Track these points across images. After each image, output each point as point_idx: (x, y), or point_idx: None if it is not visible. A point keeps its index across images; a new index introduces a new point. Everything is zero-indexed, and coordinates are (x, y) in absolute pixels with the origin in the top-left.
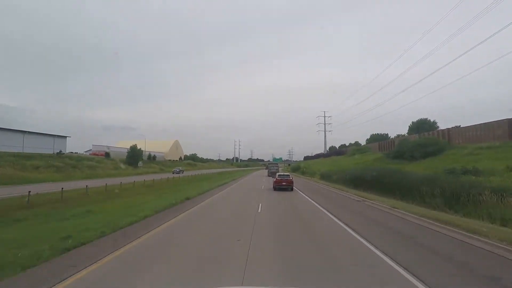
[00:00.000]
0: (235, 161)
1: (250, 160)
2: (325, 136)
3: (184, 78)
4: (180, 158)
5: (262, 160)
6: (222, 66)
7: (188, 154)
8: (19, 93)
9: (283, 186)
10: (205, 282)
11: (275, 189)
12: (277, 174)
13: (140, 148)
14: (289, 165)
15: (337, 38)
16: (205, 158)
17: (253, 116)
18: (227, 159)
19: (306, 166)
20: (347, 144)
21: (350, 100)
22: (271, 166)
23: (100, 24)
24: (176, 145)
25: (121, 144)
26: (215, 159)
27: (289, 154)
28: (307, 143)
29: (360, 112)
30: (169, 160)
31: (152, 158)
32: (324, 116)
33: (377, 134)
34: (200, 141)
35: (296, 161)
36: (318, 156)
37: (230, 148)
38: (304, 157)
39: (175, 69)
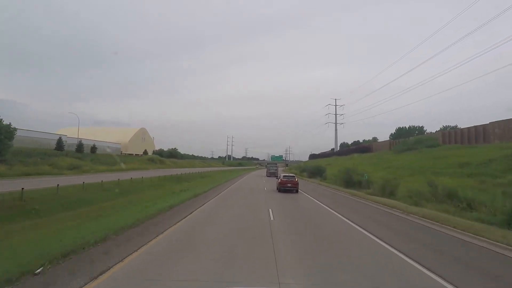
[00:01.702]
0: (227, 159)
1: (244, 158)
2: (336, 129)
3: (183, 78)
4: (145, 152)
5: (257, 159)
6: (221, 66)
7: (164, 149)
8: None
9: (288, 187)
10: None
11: (279, 190)
12: (282, 175)
13: (10, 124)
14: (286, 165)
15: (339, 37)
16: (196, 155)
17: (249, 114)
18: (219, 157)
19: (352, 169)
20: (360, 141)
21: (356, 94)
22: (270, 166)
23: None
24: (142, 135)
25: (61, 131)
26: (208, 157)
27: (286, 153)
28: (306, 142)
29: (367, 107)
30: (125, 154)
31: (92, 149)
32: (336, 105)
33: (410, 127)
34: (193, 138)
35: (298, 161)
36: (327, 154)
37: (224, 147)
38: (310, 155)
39: (174, 68)
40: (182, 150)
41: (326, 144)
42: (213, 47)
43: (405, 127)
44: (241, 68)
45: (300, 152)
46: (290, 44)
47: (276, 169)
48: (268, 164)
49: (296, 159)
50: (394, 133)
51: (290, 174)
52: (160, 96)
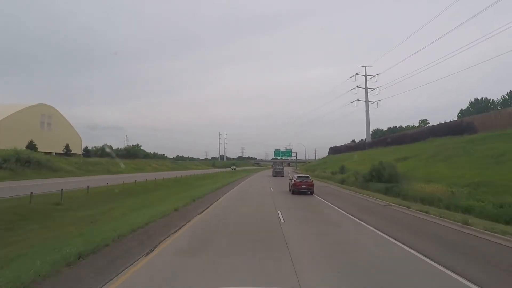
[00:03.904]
0: (219, 159)
1: (240, 158)
2: (367, 109)
3: (181, 77)
4: (30, 146)
5: (254, 159)
6: (220, 65)
7: (118, 147)
8: None
9: (302, 189)
10: None
11: (293, 192)
12: (296, 176)
13: None
14: (288, 164)
15: (339, 37)
16: (187, 156)
17: (246, 113)
18: (212, 157)
19: None
20: (397, 126)
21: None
22: (276, 165)
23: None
24: (45, 119)
25: None
26: (201, 158)
27: (287, 150)
28: (310, 140)
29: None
30: None
31: None
32: (365, 75)
33: (505, 97)
34: (188, 140)
35: (299, 159)
36: (360, 146)
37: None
38: (330, 148)
39: (171, 68)
40: (176, 152)
41: (332, 141)
42: (211, 46)
43: (486, 98)
44: (238, 66)
45: (303, 150)
46: (290, 43)
47: (282, 169)
48: (274, 163)
49: (299, 157)
50: (467, 108)
51: (304, 175)
52: (159, 96)
